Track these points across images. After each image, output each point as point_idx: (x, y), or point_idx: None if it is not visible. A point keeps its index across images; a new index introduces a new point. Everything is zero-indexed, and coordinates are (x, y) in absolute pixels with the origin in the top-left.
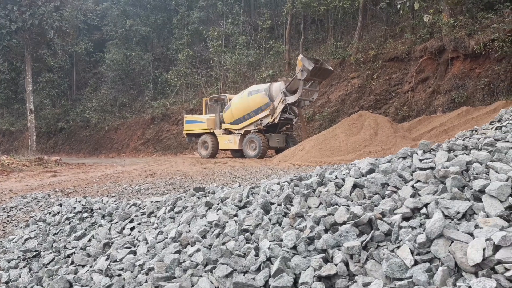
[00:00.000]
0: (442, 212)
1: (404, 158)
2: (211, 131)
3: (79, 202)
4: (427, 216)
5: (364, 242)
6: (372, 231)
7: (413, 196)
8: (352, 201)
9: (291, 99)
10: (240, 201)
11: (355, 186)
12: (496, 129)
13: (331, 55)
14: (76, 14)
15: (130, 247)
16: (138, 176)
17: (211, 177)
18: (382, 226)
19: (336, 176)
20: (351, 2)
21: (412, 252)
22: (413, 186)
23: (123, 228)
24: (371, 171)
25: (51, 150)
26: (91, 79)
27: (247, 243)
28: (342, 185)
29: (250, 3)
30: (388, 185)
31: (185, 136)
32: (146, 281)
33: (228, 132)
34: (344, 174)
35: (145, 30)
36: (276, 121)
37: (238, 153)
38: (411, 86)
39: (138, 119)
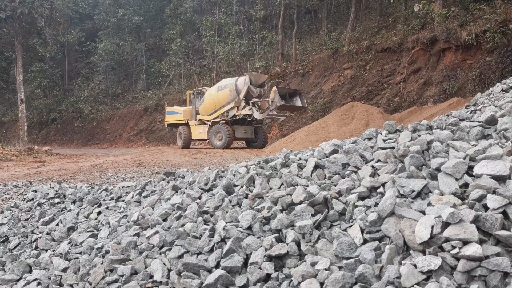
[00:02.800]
0: (398, 191)
1: (370, 139)
2: (186, 122)
3: (52, 188)
4: (383, 195)
5: (318, 222)
6: (326, 210)
7: (372, 175)
8: (312, 181)
9: (257, 115)
10: (206, 184)
11: (316, 167)
12: (470, 112)
13: (324, 46)
14: (67, 2)
15: (92, 231)
16: (127, 165)
17: (200, 167)
18: (337, 205)
19: (300, 158)
20: None
21: (362, 231)
22: (373, 166)
23: (91, 213)
24: (334, 151)
25: (43, 141)
26: (83, 69)
27: (205, 224)
28: (305, 166)
29: None
30: (349, 165)
31: (166, 126)
32: (102, 263)
33: (202, 123)
34: (308, 156)
35: (137, 19)
36: (240, 113)
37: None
38: (403, 77)
39: (130, 109)
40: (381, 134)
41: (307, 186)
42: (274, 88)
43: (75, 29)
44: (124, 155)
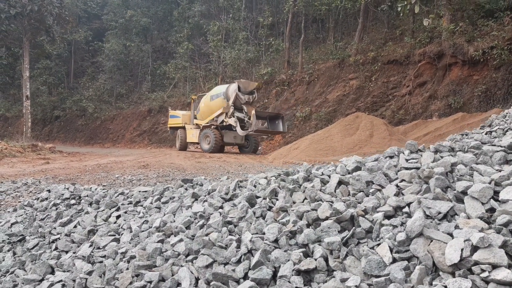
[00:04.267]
0: (424, 212)
1: (391, 157)
2: (184, 125)
3: (67, 189)
4: (409, 215)
5: (345, 238)
6: (354, 227)
7: (396, 195)
8: (336, 197)
9: (240, 131)
10: (226, 193)
11: (340, 183)
12: (486, 133)
13: (331, 55)
14: (76, 2)
15: (114, 235)
16: (132, 167)
17: (205, 171)
18: (364, 223)
19: (322, 173)
20: (353, 3)
21: (391, 250)
22: (397, 185)
23: (109, 216)
24: (357, 168)
25: (46, 138)
26: (89, 68)
27: (230, 235)
28: (328, 182)
29: None
30: (373, 183)
31: (169, 129)
32: (127, 269)
33: (197, 127)
34: (330, 171)
35: (145, 21)
36: (227, 121)
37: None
38: (408, 89)
39: (134, 110)
40: (403, 153)
41: (332, 202)
42: (253, 111)
43: (83, 28)
44: (127, 156)
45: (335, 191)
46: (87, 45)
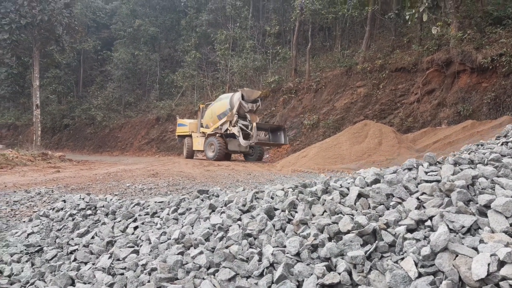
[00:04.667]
0: (447, 226)
1: (410, 169)
2: (191, 134)
3: (83, 199)
4: (432, 229)
5: (368, 252)
6: (376, 241)
7: (418, 208)
8: (356, 210)
9: (242, 142)
10: (244, 205)
11: (359, 195)
12: (502, 144)
13: (338, 63)
14: (86, 11)
15: (133, 247)
16: (141, 175)
17: (214, 180)
18: (387, 237)
19: (341, 185)
20: (360, 11)
21: (416, 264)
22: (418, 198)
23: (126, 227)
24: (376, 181)
25: (55, 146)
26: (97, 77)
27: (250, 247)
28: (347, 194)
29: (258, 8)
30: (393, 196)
31: (177, 137)
32: (149, 281)
33: (203, 135)
34: (349, 183)
35: (153, 30)
36: (233, 127)
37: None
38: (417, 97)
39: (143, 118)
40: (422, 165)
41: (352, 215)
42: (254, 124)
43: (92, 37)
44: (136, 164)
45: (355, 204)
46: (96, 54)
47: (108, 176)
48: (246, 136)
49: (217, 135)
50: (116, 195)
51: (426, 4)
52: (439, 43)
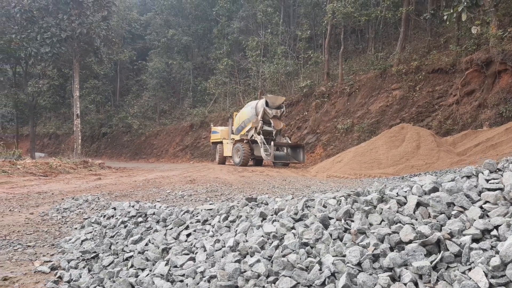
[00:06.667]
0: None
1: (469, 177)
2: (222, 140)
3: (132, 206)
4: (498, 239)
5: (434, 263)
6: (442, 251)
7: (481, 217)
8: (416, 219)
9: (263, 155)
10: (295, 213)
11: (418, 204)
12: None
13: (372, 66)
14: (122, 23)
15: (188, 254)
16: (179, 182)
17: (250, 186)
18: (452, 247)
19: (397, 193)
20: (394, 13)
21: (486, 275)
22: (481, 207)
23: (179, 234)
24: (435, 189)
25: (94, 154)
26: (133, 86)
27: (308, 257)
28: (404, 203)
29: (289, 14)
30: (454, 205)
31: (211, 144)
32: None
33: (232, 142)
34: (405, 192)
35: (186, 39)
36: (257, 134)
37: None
38: (455, 99)
39: (177, 126)
40: (482, 173)
41: (412, 224)
42: (272, 143)
43: (128, 48)
44: (172, 171)
45: (414, 213)
46: (131, 65)
47: (148, 182)
48: (272, 140)
49: (244, 141)
50: (158, 201)
51: (465, 3)
52: (478, 43)
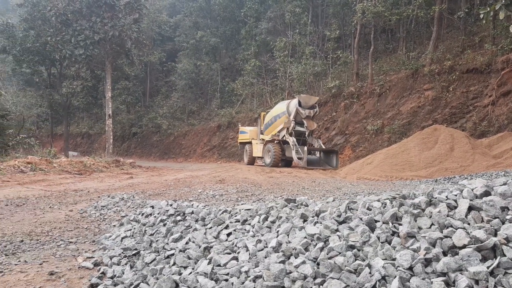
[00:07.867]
0: None
1: None
2: (251, 141)
3: (170, 205)
4: None
5: (491, 268)
6: (498, 257)
7: None
8: (468, 224)
9: (295, 158)
10: (338, 216)
11: (470, 208)
12: None
13: (403, 66)
14: (152, 25)
15: (230, 253)
16: (209, 181)
17: (279, 187)
18: (509, 252)
19: (447, 197)
20: (426, 11)
21: None
22: None
23: (219, 234)
24: (487, 193)
25: (125, 153)
26: (163, 87)
27: (355, 259)
28: (454, 207)
29: (317, 14)
30: (509, 209)
31: (239, 144)
32: None
33: (262, 142)
34: (455, 195)
35: (214, 41)
36: (289, 135)
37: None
38: (491, 99)
39: (205, 126)
40: None
41: (465, 228)
42: (305, 148)
43: (157, 50)
44: (201, 170)
45: (466, 217)
46: (161, 66)
47: (178, 182)
48: (304, 143)
49: (275, 141)
50: (190, 201)
51: (503, 1)
52: None
